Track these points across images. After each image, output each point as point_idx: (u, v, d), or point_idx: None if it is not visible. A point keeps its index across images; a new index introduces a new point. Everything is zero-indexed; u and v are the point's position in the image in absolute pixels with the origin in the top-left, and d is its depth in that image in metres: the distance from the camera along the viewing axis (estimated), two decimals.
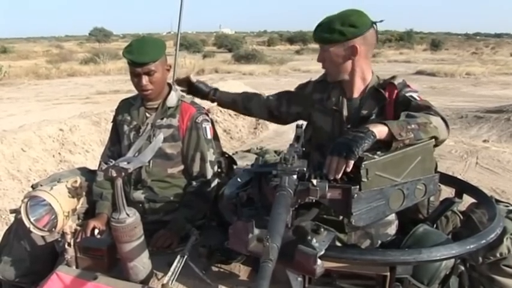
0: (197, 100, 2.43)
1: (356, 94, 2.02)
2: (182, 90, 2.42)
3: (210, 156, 2.25)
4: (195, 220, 2.12)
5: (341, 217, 1.80)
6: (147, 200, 2.19)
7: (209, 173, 2.24)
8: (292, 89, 2.35)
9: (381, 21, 1.98)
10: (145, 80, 2.12)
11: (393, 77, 1.99)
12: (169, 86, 2.31)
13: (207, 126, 2.26)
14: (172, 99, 2.25)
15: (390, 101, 1.94)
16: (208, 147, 2.24)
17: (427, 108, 1.77)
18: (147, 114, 2.25)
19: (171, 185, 2.23)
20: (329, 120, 2.08)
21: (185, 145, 2.22)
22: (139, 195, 2.20)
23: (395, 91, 1.93)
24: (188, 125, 2.22)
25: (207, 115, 2.30)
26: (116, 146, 2.35)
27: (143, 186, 2.20)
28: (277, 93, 2.40)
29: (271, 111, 2.38)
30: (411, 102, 1.85)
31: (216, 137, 2.40)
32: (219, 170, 2.35)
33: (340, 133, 2.01)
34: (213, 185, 2.23)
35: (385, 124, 1.56)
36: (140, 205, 2.17)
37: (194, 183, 2.23)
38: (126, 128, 2.28)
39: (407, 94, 1.90)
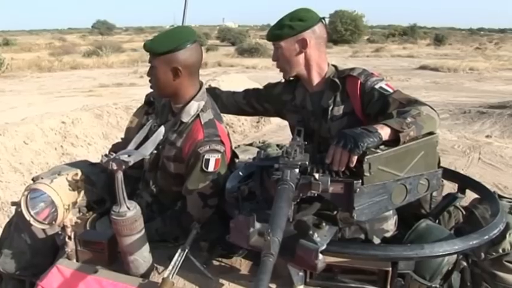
0: None
1: (316, 88, 2.12)
2: None
3: (204, 189, 1.94)
4: (165, 237, 2.00)
5: (335, 211, 1.79)
6: (155, 202, 2.18)
7: (192, 205, 1.98)
8: (260, 87, 2.43)
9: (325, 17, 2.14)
10: (149, 71, 2.00)
11: (352, 69, 2.06)
12: (200, 87, 2.05)
13: (212, 158, 1.91)
14: (187, 113, 1.99)
15: (354, 93, 2.00)
16: (205, 179, 1.93)
17: (409, 102, 1.83)
18: (169, 117, 2.10)
19: (178, 198, 2.09)
20: (299, 118, 2.17)
21: (185, 166, 2.00)
22: (147, 197, 2.18)
23: (358, 81, 1.98)
24: (189, 151, 1.95)
25: (221, 143, 1.95)
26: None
27: (152, 192, 2.17)
28: (244, 90, 2.46)
29: (242, 109, 2.45)
30: (386, 96, 1.90)
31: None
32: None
33: (308, 128, 2.06)
34: (196, 217, 1.95)
35: (385, 124, 1.58)
36: (148, 206, 2.14)
37: (179, 205, 2.06)
38: (151, 120, 2.17)
39: (376, 86, 1.95)
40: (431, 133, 1.68)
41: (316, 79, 2.10)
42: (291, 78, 2.20)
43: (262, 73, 19.32)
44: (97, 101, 10.50)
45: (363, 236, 1.85)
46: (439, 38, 49.44)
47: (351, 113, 2.00)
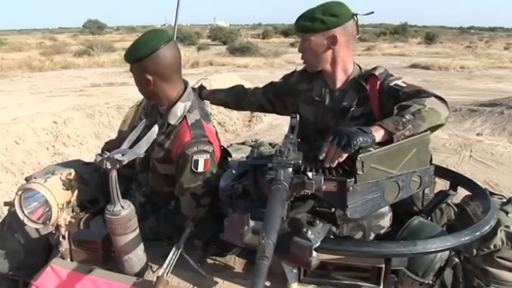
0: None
1: (338, 85, 2.05)
2: None
3: (196, 189, 1.94)
4: (159, 236, 2.01)
5: (333, 209, 1.80)
6: (148, 202, 2.18)
7: (186, 205, 1.99)
8: (277, 80, 2.38)
9: (369, 13, 2.03)
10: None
11: (375, 68, 2.01)
12: (185, 87, 2.06)
13: (200, 158, 1.92)
14: (174, 115, 1.99)
15: (374, 92, 1.97)
16: (196, 180, 1.93)
17: (417, 93, 1.79)
18: (158, 118, 2.10)
19: (170, 198, 2.10)
20: (313, 111, 2.11)
21: (174, 168, 2.00)
22: (140, 197, 2.18)
23: (378, 82, 1.95)
24: (178, 153, 1.94)
25: (209, 143, 1.95)
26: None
27: (145, 193, 2.17)
28: (263, 86, 2.44)
29: (262, 105, 2.43)
30: (398, 91, 1.87)
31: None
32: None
33: (323, 124, 2.05)
34: (190, 216, 1.96)
35: (380, 126, 1.57)
36: (141, 206, 2.15)
37: (172, 204, 2.07)
38: (142, 119, 2.16)
39: (391, 84, 1.92)
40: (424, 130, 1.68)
41: (340, 77, 2.04)
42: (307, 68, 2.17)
43: (253, 72, 19.38)
44: (88, 101, 10.46)
45: (360, 233, 1.86)
46: (430, 36, 49.70)
47: (369, 113, 1.96)
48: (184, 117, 1.99)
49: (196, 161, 1.91)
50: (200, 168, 1.92)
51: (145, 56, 1.89)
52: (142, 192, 2.18)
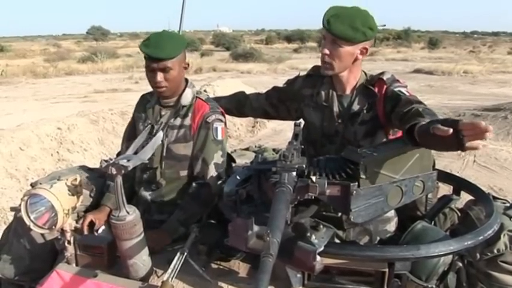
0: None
1: (348, 90, 2.09)
2: None
3: (217, 158, 2.14)
4: (189, 223, 2.04)
5: (340, 214, 1.81)
6: (155, 200, 2.20)
7: (210, 176, 2.13)
8: (280, 85, 2.41)
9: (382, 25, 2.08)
10: (159, 76, 2.07)
11: (382, 73, 2.05)
12: (186, 81, 2.25)
13: (219, 126, 2.15)
14: (186, 97, 2.19)
15: (380, 96, 2.00)
16: (217, 149, 2.14)
17: (417, 103, 1.80)
18: (162, 113, 2.21)
19: (183, 188, 2.19)
20: (319, 116, 2.13)
21: (193, 144, 2.16)
22: (147, 195, 2.21)
23: (385, 86, 1.99)
24: (199, 124, 2.15)
25: (222, 114, 2.21)
26: (131, 141, 2.18)
27: (157, 188, 2.20)
28: (265, 92, 2.47)
29: (266, 111, 2.46)
30: (400, 96, 1.90)
31: None
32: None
33: (330, 128, 2.08)
34: (214, 188, 2.11)
35: None
36: (147, 204, 2.17)
37: (194, 184, 2.14)
38: (141, 126, 2.25)
39: (396, 89, 1.96)
40: None
41: (351, 83, 2.07)
42: (311, 73, 2.21)
43: (257, 78, 19.38)
44: (92, 107, 10.49)
45: (367, 237, 1.87)
46: (433, 41, 49.56)
47: (375, 117, 2.01)
48: (196, 97, 2.23)
49: (216, 128, 2.14)
50: (219, 136, 2.13)
51: (184, 47, 2.16)
52: (157, 184, 2.21)
